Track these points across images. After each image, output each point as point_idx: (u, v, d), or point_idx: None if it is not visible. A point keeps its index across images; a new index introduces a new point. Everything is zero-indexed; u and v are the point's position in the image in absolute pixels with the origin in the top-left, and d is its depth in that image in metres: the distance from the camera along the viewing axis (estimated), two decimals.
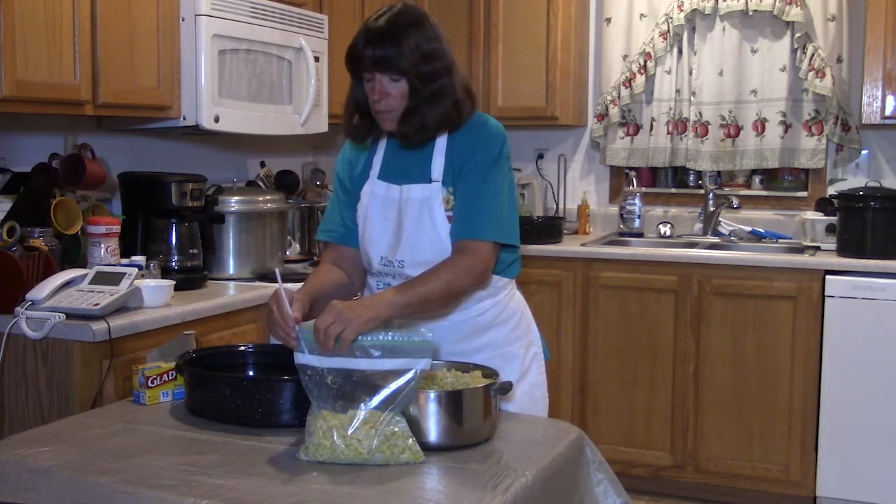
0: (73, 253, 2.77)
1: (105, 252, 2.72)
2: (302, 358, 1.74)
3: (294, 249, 3.73)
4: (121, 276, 2.48)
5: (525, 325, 2.27)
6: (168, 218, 3.03)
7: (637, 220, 4.47)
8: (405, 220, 2.09)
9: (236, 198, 3.26)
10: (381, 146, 2.17)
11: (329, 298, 2.08)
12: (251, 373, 2.11)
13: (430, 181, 2.08)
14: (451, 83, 2.03)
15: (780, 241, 4.24)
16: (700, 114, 4.39)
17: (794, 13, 4.13)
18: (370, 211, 2.14)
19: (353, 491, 1.54)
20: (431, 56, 2.00)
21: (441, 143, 2.08)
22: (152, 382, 2.02)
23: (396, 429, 1.67)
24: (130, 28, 2.80)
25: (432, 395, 1.75)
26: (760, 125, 4.31)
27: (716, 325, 3.84)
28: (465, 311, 2.15)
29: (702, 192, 4.47)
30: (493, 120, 2.14)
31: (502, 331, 2.20)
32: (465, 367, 1.93)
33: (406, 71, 1.98)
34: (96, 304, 2.37)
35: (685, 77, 4.40)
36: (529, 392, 2.22)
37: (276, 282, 1.85)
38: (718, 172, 4.50)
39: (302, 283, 2.11)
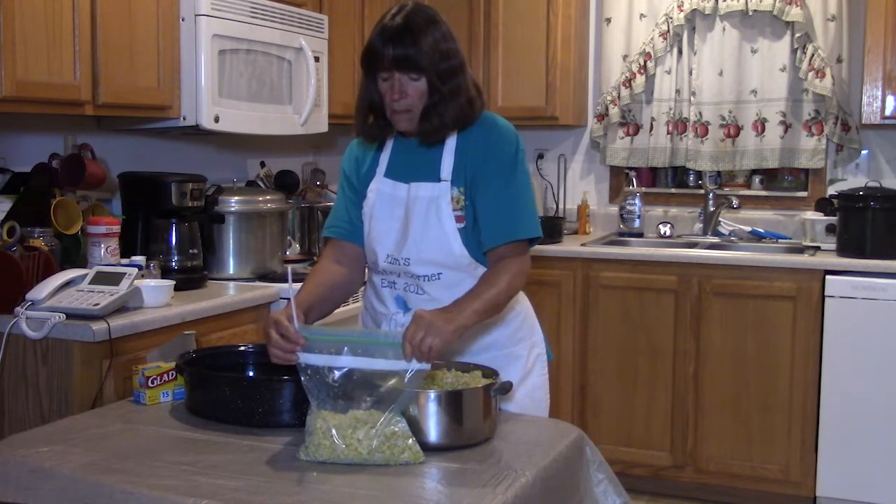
0: (73, 253, 2.76)
1: (105, 252, 2.71)
2: (302, 358, 1.74)
3: (294, 249, 3.73)
4: (121, 276, 2.48)
5: (529, 325, 2.27)
6: (168, 218, 3.02)
7: (637, 220, 4.47)
8: (412, 218, 2.09)
9: (236, 198, 3.26)
10: (389, 144, 2.17)
11: (326, 302, 2.10)
12: (251, 373, 2.11)
13: (438, 180, 2.08)
14: (465, 81, 2.05)
15: (780, 241, 4.24)
16: (700, 114, 4.39)
17: (794, 13, 4.13)
18: (376, 209, 2.14)
19: (353, 491, 1.54)
20: (448, 54, 2.02)
21: (451, 142, 2.08)
22: (152, 382, 2.02)
23: (396, 429, 1.67)
24: (130, 28, 2.80)
25: (432, 395, 1.75)
26: (760, 125, 4.31)
27: (716, 325, 3.84)
28: None
29: (702, 192, 4.47)
30: (503, 119, 2.15)
31: (507, 331, 2.20)
32: (466, 367, 1.94)
33: (426, 69, 1.98)
34: (96, 304, 2.37)
35: (685, 77, 4.40)
36: (531, 393, 2.22)
37: (286, 281, 1.83)
38: (718, 172, 4.49)
39: (301, 284, 2.11)
